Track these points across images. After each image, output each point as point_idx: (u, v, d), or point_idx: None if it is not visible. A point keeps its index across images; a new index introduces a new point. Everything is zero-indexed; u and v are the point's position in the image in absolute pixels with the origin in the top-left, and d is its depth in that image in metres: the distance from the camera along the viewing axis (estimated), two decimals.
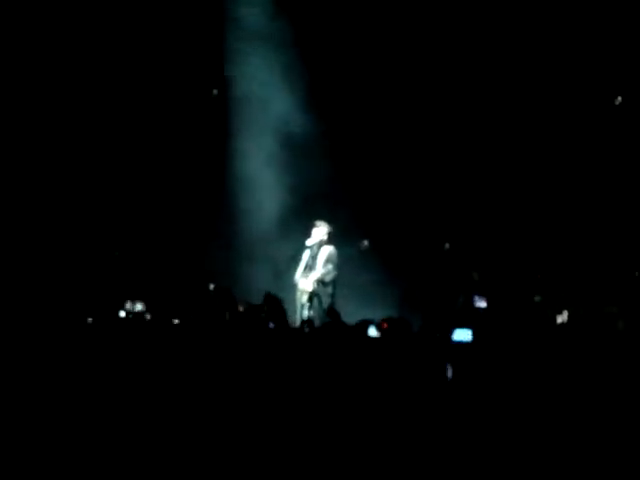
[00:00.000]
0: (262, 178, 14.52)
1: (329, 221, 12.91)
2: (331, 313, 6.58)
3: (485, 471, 5.46)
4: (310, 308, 12.43)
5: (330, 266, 12.64)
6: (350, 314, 8.55)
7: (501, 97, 13.89)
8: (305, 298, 12.57)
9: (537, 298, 12.30)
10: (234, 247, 14.40)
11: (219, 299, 8.44)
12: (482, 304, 9.96)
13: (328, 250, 12.71)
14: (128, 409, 5.87)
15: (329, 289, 12.59)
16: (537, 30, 13.61)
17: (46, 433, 5.68)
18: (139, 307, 10.40)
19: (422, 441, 5.48)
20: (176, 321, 7.89)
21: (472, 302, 9.95)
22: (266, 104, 14.57)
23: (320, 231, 12.76)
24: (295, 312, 12.32)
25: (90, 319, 8.10)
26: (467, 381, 5.79)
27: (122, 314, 9.51)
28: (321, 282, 12.61)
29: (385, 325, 6.52)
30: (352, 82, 14.38)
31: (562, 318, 11.32)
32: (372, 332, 6.58)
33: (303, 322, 10.52)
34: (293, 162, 14.50)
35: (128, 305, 10.75)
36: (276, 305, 7.19)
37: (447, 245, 14.26)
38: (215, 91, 14.80)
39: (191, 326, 7.20)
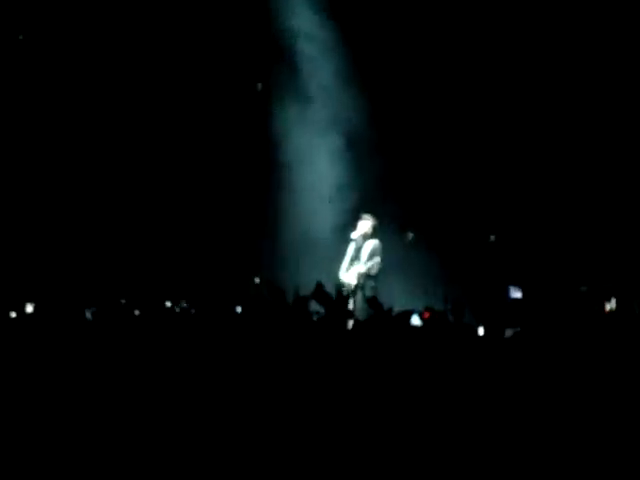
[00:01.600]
0: (309, 171, 14.61)
1: (374, 214, 12.94)
2: (373, 303, 6.59)
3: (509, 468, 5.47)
4: (354, 301, 12.44)
5: (375, 259, 12.65)
6: (394, 307, 8.60)
7: (539, 91, 13.87)
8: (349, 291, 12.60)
9: (583, 288, 12.25)
10: (283, 242, 14.48)
11: (267, 291, 8.46)
12: (517, 295, 9.88)
13: (373, 243, 12.72)
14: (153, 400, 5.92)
15: (373, 282, 12.59)
16: (544, 29, 13.60)
17: (48, 429, 5.73)
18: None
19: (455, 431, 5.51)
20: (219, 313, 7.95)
21: (507, 293, 9.88)
22: (315, 100, 14.66)
23: (365, 224, 12.76)
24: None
25: (137, 311, 8.19)
26: (507, 373, 5.80)
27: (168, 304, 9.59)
28: (365, 275, 12.63)
29: (427, 314, 6.55)
30: (399, 79, 14.42)
31: (610, 306, 11.25)
32: (415, 321, 6.61)
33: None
34: (341, 155, 14.57)
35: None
36: (326, 295, 7.20)
37: (492, 237, 14.25)
38: (260, 85, 14.89)
39: (232, 318, 7.25)
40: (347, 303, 7.97)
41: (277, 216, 14.72)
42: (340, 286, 8.35)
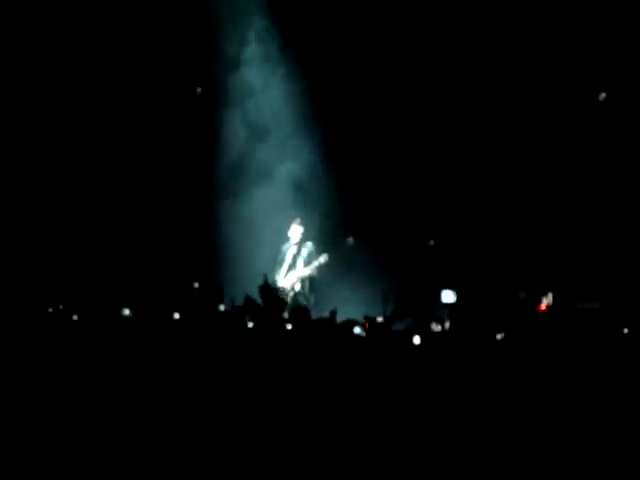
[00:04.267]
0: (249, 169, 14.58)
1: (315, 216, 13.01)
2: (298, 313, 6.60)
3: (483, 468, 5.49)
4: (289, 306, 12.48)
5: (313, 263, 12.68)
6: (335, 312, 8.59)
7: (495, 95, 13.92)
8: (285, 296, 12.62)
9: (522, 294, 12.32)
10: (220, 247, 14.41)
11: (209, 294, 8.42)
12: (450, 299, 9.84)
13: (308, 248, 12.76)
14: (122, 409, 5.88)
15: (309, 287, 12.64)
16: (538, 29, 13.64)
17: (46, 429, 5.69)
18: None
19: (410, 438, 5.52)
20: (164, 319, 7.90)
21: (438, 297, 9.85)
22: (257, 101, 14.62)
23: (297, 229, 12.82)
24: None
25: (76, 317, 8.10)
26: (447, 376, 5.83)
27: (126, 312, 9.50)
28: (302, 280, 12.66)
29: (367, 325, 6.57)
30: (345, 78, 14.40)
31: (547, 301, 11.32)
32: (357, 331, 6.61)
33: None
34: (282, 157, 14.54)
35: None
36: (256, 306, 7.22)
37: (432, 242, 14.31)
38: (199, 89, 14.81)
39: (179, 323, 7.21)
40: (281, 309, 7.98)
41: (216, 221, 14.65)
42: (273, 292, 8.35)
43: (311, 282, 12.67)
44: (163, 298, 12.25)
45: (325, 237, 13.40)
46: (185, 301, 10.26)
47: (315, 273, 12.69)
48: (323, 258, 12.66)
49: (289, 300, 12.59)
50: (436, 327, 7.30)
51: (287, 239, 12.91)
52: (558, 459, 5.53)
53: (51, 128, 14.31)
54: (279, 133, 14.63)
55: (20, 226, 14.05)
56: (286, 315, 10.83)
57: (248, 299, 7.60)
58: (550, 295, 11.40)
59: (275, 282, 12.64)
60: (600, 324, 7.70)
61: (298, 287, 12.71)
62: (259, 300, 7.90)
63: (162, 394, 5.95)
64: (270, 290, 7.92)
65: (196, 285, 12.66)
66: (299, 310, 6.98)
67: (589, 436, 5.61)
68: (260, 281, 9.20)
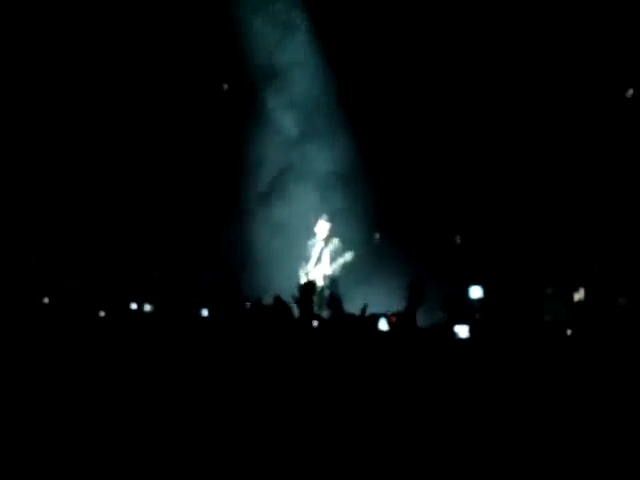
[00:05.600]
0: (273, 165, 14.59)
1: (340, 214, 13.02)
2: (333, 304, 6.57)
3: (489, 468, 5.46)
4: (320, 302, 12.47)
5: (338, 260, 12.68)
6: (359, 306, 8.58)
7: (522, 94, 13.88)
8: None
9: (549, 290, 12.27)
10: (250, 248, 14.43)
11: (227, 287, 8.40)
12: (477, 294, 9.79)
13: (334, 244, 12.76)
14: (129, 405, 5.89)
15: (336, 283, 12.64)
16: (545, 23, 13.59)
17: (47, 430, 5.69)
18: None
19: (428, 436, 5.49)
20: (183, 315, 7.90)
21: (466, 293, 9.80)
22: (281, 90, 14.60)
23: (324, 225, 12.83)
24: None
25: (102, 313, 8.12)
26: (469, 379, 5.79)
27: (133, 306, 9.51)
28: (329, 276, 12.66)
29: (394, 319, 6.54)
30: (374, 78, 14.39)
31: (579, 296, 11.26)
32: (382, 325, 6.59)
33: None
34: (308, 154, 14.54)
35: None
36: (286, 307, 7.19)
37: (458, 238, 14.27)
38: (225, 86, 14.82)
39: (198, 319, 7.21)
40: (311, 305, 7.95)
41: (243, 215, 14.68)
42: (304, 288, 8.33)
43: (335, 280, 12.67)
44: (187, 294, 12.30)
45: (352, 234, 13.36)
46: (209, 297, 10.28)
47: (339, 271, 12.69)
48: (349, 256, 12.66)
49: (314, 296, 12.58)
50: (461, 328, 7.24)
51: (314, 235, 12.91)
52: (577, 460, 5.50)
53: (77, 138, 14.37)
54: (307, 133, 14.62)
55: (44, 225, 14.11)
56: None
57: (278, 299, 7.55)
58: (582, 290, 11.35)
59: (300, 278, 12.64)
60: (628, 321, 7.64)
61: (325, 284, 12.71)
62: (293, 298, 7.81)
63: (182, 391, 5.96)
64: (311, 287, 7.84)
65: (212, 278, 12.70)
66: (333, 300, 6.94)
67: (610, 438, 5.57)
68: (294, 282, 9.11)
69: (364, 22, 14.22)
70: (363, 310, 6.88)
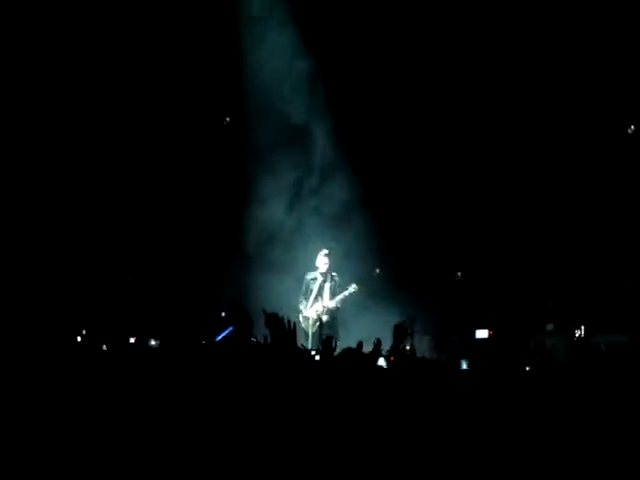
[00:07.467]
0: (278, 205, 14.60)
1: (342, 247, 13.07)
2: (327, 344, 6.57)
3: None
4: (312, 336, 12.49)
5: (339, 295, 12.69)
6: (357, 340, 8.58)
7: (516, 126, 13.93)
8: (310, 325, 12.62)
9: (549, 327, 12.29)
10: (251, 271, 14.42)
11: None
12: (483, 334, 9.88)
13: (334, 279, 12.76)
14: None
15: (334, 317, 12.65)
16: (549, 39, 13.63)
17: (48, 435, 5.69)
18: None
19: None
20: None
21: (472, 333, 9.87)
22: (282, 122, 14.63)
23: (324, 260, 12.82)
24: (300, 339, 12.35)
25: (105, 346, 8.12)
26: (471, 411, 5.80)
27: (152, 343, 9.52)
28: (328, 310, 12.66)
29: (393, 357, 6.55)
30: (378, 124, 14.45)
31: (579, 332, 11.28)
32: (381, 363, 6.61)
33: (314, 350, 10.53)
34: (310, 186, 14.58)
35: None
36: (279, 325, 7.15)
37: (459, 274, 14.29)
38: (227, 119, 14.87)
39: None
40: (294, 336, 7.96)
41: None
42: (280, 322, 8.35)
43: (336, 313, 12.67)
44: (191, 328, 12.28)
45: (352, 268, 13.38)
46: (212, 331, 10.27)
47: (341, 304, 12.69)
48: (352, 288, 12.65)
49: (313, 329, 12.59)
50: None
51: (314, 269, 12.88)
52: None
53: (88, 152, 14.38)
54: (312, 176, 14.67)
55: (47, 251, 14.09)
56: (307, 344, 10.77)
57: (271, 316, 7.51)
58: (582, 327, 11.38)
59: (300, 311, 12.63)
60: (628, 358, 7.64)
61: (325, 318, 12.70)
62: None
63: (186, 424, 5.97)
64: (277, 320, 7.84)
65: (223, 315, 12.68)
66: (327, 340, 6.95)
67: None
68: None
69: (367, 63, 14.31)
70: (359, 345, 6.88)
